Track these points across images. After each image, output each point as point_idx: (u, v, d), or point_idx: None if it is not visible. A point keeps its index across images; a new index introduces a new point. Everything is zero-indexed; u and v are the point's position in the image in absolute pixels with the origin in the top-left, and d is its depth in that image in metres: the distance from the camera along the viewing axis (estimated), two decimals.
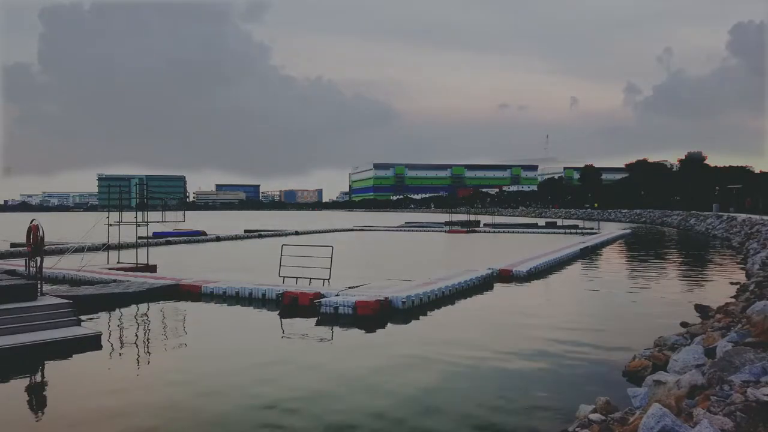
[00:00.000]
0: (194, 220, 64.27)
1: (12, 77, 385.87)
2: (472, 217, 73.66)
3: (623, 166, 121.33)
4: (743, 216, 46.73)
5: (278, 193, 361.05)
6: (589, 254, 30.55)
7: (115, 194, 26.10)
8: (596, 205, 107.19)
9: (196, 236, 43.65)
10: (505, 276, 20.19)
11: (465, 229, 57.23)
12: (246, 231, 51.85)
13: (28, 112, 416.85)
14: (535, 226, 61.40)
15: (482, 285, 18.32)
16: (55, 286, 17.72)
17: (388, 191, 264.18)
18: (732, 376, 5.62)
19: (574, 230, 52.64)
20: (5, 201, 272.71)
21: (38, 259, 13.31)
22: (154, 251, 26.32)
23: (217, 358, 10.48)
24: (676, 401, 5.47)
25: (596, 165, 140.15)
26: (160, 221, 25.69)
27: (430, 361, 10.08)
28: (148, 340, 11.83)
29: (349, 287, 15.69)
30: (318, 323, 13.21)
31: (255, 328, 13.62)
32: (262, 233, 50.03)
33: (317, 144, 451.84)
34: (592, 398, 6.71)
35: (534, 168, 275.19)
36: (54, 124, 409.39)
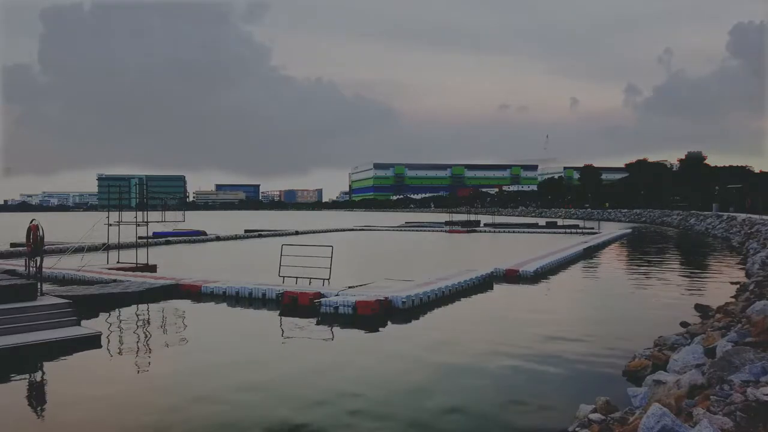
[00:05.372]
0: (194, 220, 64.28)
1: (12, 78, 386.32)
2: (472, 217, 73.69)
3: (623, 166, 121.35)
4: (743, 216, 46.74)
5: (278, 193, 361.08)
6: (591, 254, 30.56)
7: (115, 194, 26.12)
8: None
9: (196, 236, 43.66)
10: (512, 276, 20.19)
11: (465, 229, 57.22)
12: (246, 231, 51.87)
13: (28, 113, 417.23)
14: (536, 225, 61.40)
15: (482, 285, 18.31)
16: (55, 286, 17.71)
17: (388, 191, 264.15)
18: (732, 376, 5.62)
19: (574, 230, 52.64)
20: (5, 201, 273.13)
21: (38, 259, 13.32)
22: (154, 251, 26.34)
23: (216, 358, 10.47)
24: (675, 401, 5.47)
25: (596, 165, 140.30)
26: (160, 221, 25.69)
27: (430, 361, 10.09)
28: (147, 340, 11.83)
29: (349, 287, 15.69)
30: (318, 323, 13.21)
31: (255, 328, 13.62)
32: (262, 233, 50.03)
33: (317, 144, 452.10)
34: (592, 398, 6.71)
35: (534, 168, 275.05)
36: (54, 124, 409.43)
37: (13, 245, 31.71)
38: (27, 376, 9.38)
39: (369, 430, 7.03)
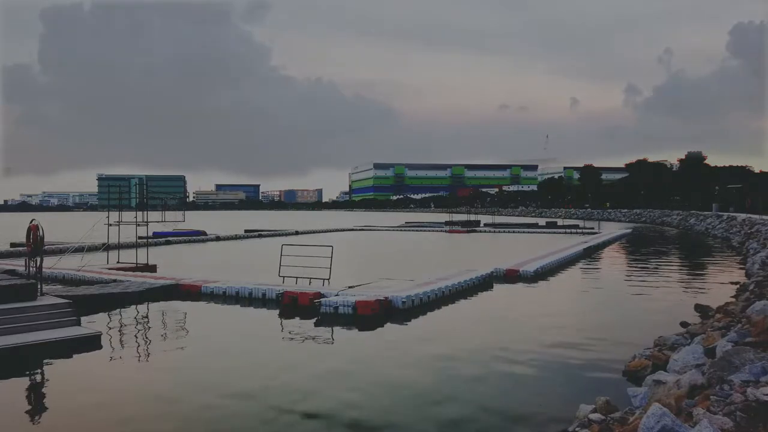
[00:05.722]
0: (194, 220, 64.29)
1: (12, 78, 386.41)
2: (472, 217, 73.69)
3: (623, 166, 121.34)
4: (743, 216, 46.73)
5: (278, 193, 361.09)
6: (592, 254, 30.56)
7: (115, 194, 26.11)
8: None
9: (196, 236, 43.66)
10: (512, 276, 20.19)
11: (465, 229, 57.22)
12: (246, 231, 51.88)
13: (28, 113, 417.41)
14: (536, 225, 61.41)
15: (482, 285, 18.31)
16: (54, 286, 17.70)
17: (388, 191, 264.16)
18: (732, 376, 5.62)
19: (574, 230, 52.66)
20: (5, 201, 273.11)
21: (38, 258, 13.31)
22: (154, 251, 26.33)
23: (216, 358, 10.48)
24: (675, 401, 5.47)
25: (596, 165, 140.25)
26: (160, 221, 25.69)
27: (429, 361, 10.08)
28: (147, 340, 11.83)
29: (349, 287, 15.69)
30: (318, 323, 13.21)
31: (255, 328, 13.62)
32: (262, 233, 50.04)
33: (317, 144, 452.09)
34: (592, 398, 6.71)
35: (534, 168, 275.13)
36: (54, 124, 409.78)
37: (13, 245, 31.72)
38: (27, 376, 9.37)
39: (367, 430, 7.03)
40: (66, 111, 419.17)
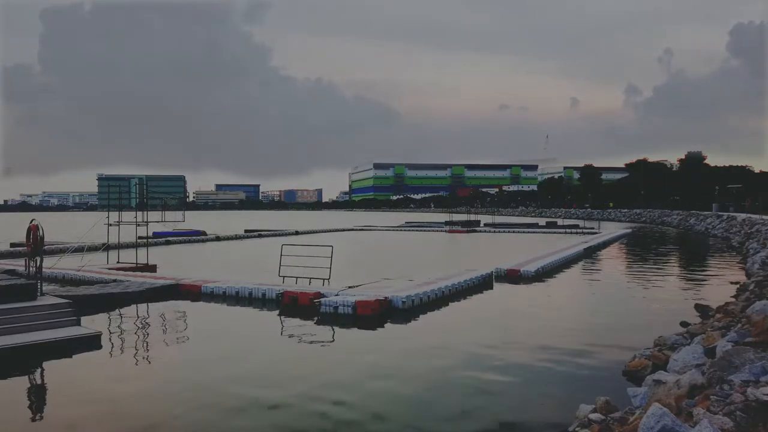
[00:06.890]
0: (194, 220, 64.27)
1: (12, 78, 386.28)
2: (473, 217, 73.67)
3: (623, 166, 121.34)
4: (743, 216, 46.73)
5: (278, 193, 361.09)
6: (592, 254, 30.55)
7: (114, 194, 26.10)
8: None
9: (196, 236, 43.66)
10: (513, 276, 20.18)
11: (465, 229, 57.21)
12: (246, 231, 51.88)
13: (28, 113, 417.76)
14: (536, 225, 61.40)
15: (482, 284, 18.31)
16: (54, 286, 17.70)
17: (388, 191, 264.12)
18: (732, 376, 5.62)
19: (574, 230, 52.65)
20: (5, 201, 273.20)
21: (38, 259, 13.31)
22: (154, 251, 26.33)
23: (216, 358, 10.47)
24: (675, 401, 5.47)
25: (596, 165, 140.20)
26: (159, 221, 25.68)
27: (429, 362, 10.08)
28: (147, 340, 11.83)
29: (349, 287, 15.68)
30: (318, 323, 13.20)
31: (255, 327, 13.62)
32: (262, 233, 50.04)
33: (317, 144, 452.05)
34: (592, 398, 6.71)
35: (534, 168, 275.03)
36: (54, 124, 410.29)
37: (13, 245, 31.71)
38: (27, 376, 9.37)
39: (367, 431, 7.03)
40: (66, 111, 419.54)
